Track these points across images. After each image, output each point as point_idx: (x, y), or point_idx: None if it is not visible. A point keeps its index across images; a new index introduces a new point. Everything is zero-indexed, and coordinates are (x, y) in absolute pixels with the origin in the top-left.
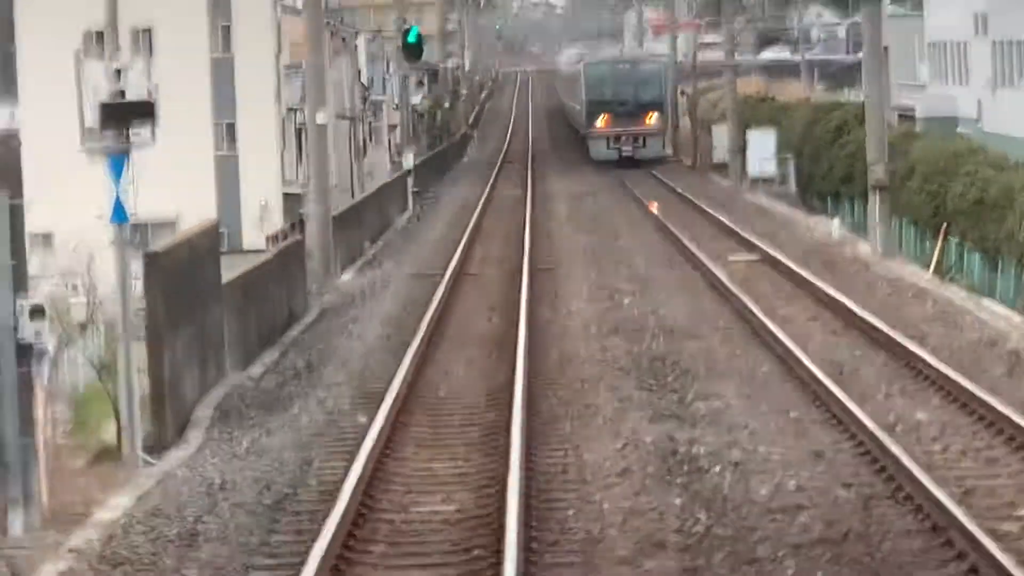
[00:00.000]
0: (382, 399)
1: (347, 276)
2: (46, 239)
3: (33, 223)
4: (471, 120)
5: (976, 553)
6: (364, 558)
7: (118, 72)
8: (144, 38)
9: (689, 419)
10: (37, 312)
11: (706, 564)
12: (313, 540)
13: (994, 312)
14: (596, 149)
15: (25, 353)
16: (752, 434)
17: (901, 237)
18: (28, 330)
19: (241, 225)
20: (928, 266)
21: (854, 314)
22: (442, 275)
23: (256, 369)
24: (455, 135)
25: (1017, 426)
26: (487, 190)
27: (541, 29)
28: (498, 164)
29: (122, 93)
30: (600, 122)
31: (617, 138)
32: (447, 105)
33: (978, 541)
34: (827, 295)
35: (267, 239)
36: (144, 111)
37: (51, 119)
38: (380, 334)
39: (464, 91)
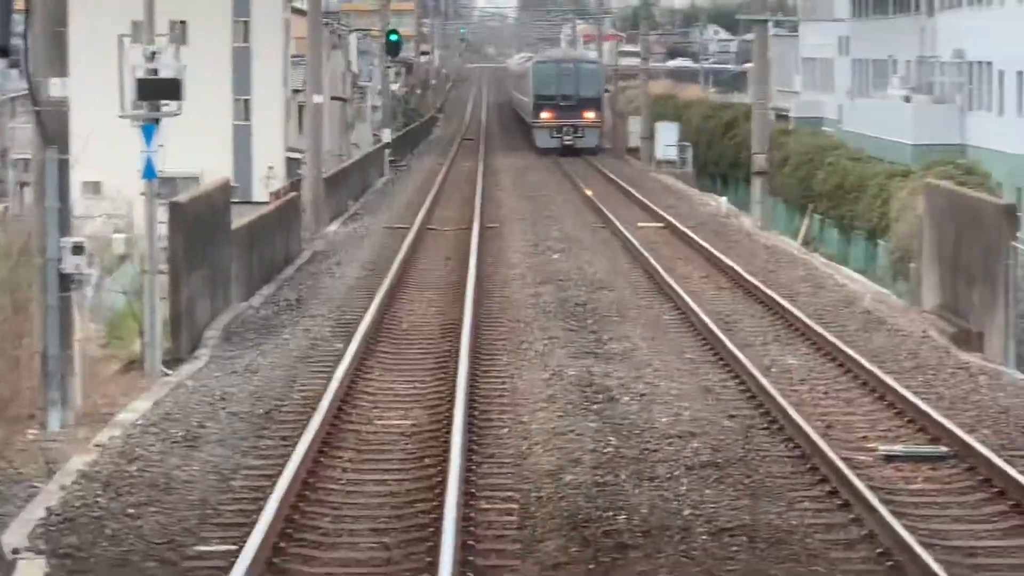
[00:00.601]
0: (356, 329)
1: (333, 227)
2: (96, 187)
3: (85, 174)
4: (438, 106)
5: (835, 477)
6: (334, 462)
7: (153, 55)
8: (179, 29)
9: (604, 356)
10: (78, 249)
11: (615, 479)
12: (294, 445)
13: (850, 277)
14: (541, 138)
15: (67, 282)
16: (655, 371)
17: (775, 213)
18: (69, 263)
19: (252, 182)
20: (797, 237)
21: (739, 274)
22: (410, 228)
23: (256, 300)
24: (425, 117)
25: (870, 372)
26: (448, 162)
27: (496, 35)
28: (458, 141)
29: (155, 72)
30: (545, 114)
31: (560, 129)
32: (419, 92)
33: (836, 466)
34: (717, 258)
35: (270, 195)
36: (172, 88)
37: (105, 89)
38: (358, 275)
39: (433, 82)
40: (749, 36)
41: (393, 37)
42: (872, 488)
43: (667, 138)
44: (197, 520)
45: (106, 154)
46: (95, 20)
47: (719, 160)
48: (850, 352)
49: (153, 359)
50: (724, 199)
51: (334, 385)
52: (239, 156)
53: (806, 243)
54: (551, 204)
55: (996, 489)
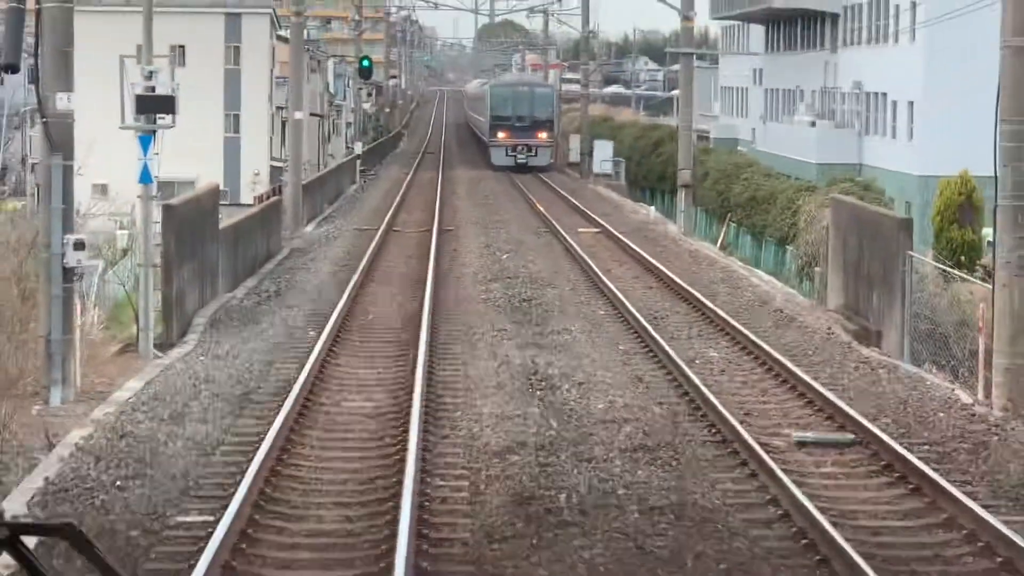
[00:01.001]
0: (328, 319)
1: (310, 228)
2: (104, 188)
3: (94, 177)
4: (404, 122)
5: (753, 460)
6: (304, 440)
7: (150, 74)
8: (178, 52)
9: (547, 347)
10: (79, 245)
11: (556, 460)
12: (269, 424)
13: (762, 279)
14: (496, 156)
15: (69, 274)
16: (592, 361)
17: (697, 221)
18: (71, 258)
19: (240, 187)
20: (716, 243)
21: (665, 275)
22: (377, 230)
23: (240, 292)
24: (392, 132)
25: (782, 365)
26: (411, 172)
27: (455, 62)
28: (420, 154)
29: (152, 89)
30: (501, 134)
31: (514, 147)
32: (387, 111)
33: (754, 450)
34: (646, 260)
35: (254, 198)
36: (167, 103)
37: (113, 102)
38: (330, 271)
39: (400, 102)
40: (675, 67)
41: (365, 63)
42: (786, 471)
43: (603, 154)
44: (178, 492)
45: (113, 160)
46: (108, 41)
47: (648, 174)
48: (765, 347)
49: (147, 343)
50: (652, 208)
51: (305, 370)
52: (229, 163)
53: (723, 248)
54: (500, 210)
55: (897, 474)
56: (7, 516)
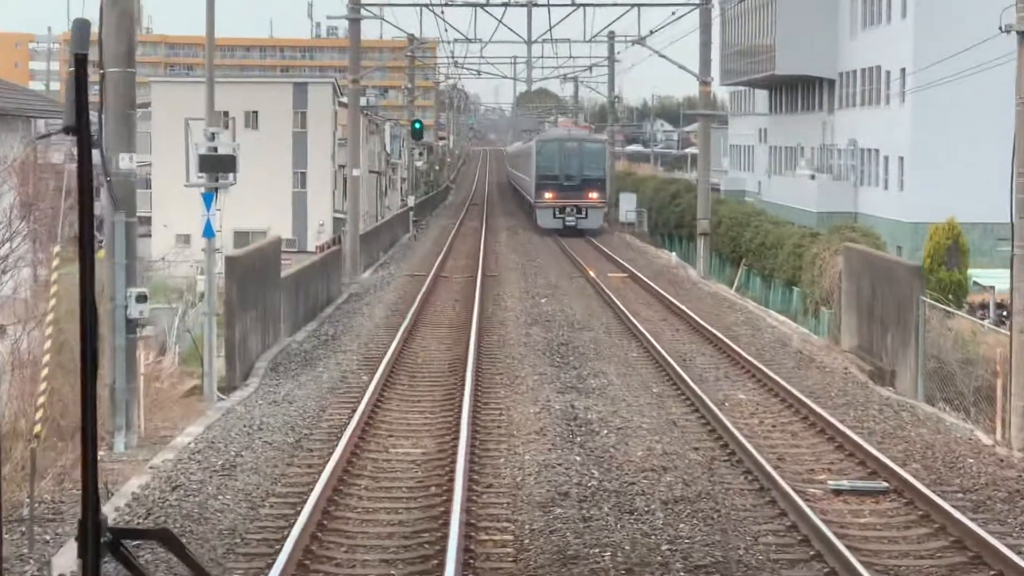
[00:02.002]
0: (380, 363)
1: (367, 274)
2: (187, 238)
3: (179, 228)
4: (451, 178)
5: (792, 511)
6: (352, 490)
7: (212, 135)
8: (252, 117)
9: (584, 390)
10: (141, 297)
11: (599, 513)
12: (319, 474)
13: (777, 319)
14: (543, 218)
15: (132, 325)
16: (628, 405)
17: (713, 265)
18: (134, 309)
19: (307, 236)
20: (731, 284)
21: (690, 317)
22: (427, 276)
23: (300, 335)
24: (441, 187)
25: (808, 407)
26: (458, 223)
27: (495, 125)
28: (466, 206)
29: (215, 149)
30: (548, 194)
31: (562, 209)
32: (437, 168)
33: (793, 499)
34: (672, 303)
35: (316, 247)
36: (229, 162)
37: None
38: (383, 315)
39: (448, 160)
40: (688, 127)
41: (417, 126)
42: (825, 522)
43: (628, 205)
44: (224, 551)
45: (195, 212)
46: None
47: (666, 222)
48: (790, 388)
49: (210, 387)
50: (674, 254)
51: (356, 416)
52: (297, 215)
53: (737, 289)
54: (537, 256)
55: (936, 524)
56: (55, 573)
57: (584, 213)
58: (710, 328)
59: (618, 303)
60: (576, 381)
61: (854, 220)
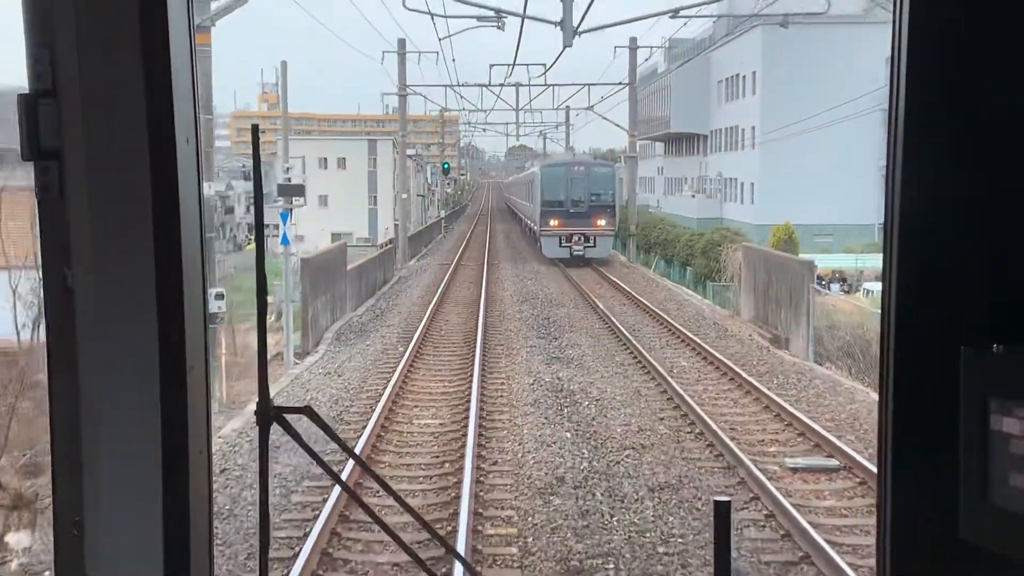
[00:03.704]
0: (414, 335)
1: (412, 263)
2: (301, 237)
3: (298, 230)
4: (468, 199)
5: (756, 487)
6: (381, 457)
7: (287, 169)
8: (343, 161)
9: (564, 359)
10: (219, 296)
11: (594, 507)
12: (353, 445)
13: (689, 294)
14: (548, 248)
15: (211, 318)
16: (600, 376)
17: (635, 254)
18: (212, 305)
19: (378, 236)
20: (648, 266)
21: (631, 293)
22: (451, 264)
23: (361, 310)
24: (461, 205)
25: (738, 375)
26: (472, 227)
27: (494, 166)
28: (476, 216)
29: (289, 179)
30: (553, 222)
31: (569, 237)
32: (459, 192)
33: (756, 477)
34: (616, 283)
35: (380, 245)
36: (299, 190)
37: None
38: (421, 294)
39: (465, 188)
40: (616, 165)
41: (446, 167)
42: (781, 490)
43: None
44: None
45: (307, 220)
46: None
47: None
48: (720, 357)
49: (288, 356)
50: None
51: (389, 387)
52: (371, 223)
53: (653, 268)
54: (523, 251)
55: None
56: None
57: (592, 241)
58: (647, 303)
59: (579, 284)
60: (556, 351)
61: (721, 223)
